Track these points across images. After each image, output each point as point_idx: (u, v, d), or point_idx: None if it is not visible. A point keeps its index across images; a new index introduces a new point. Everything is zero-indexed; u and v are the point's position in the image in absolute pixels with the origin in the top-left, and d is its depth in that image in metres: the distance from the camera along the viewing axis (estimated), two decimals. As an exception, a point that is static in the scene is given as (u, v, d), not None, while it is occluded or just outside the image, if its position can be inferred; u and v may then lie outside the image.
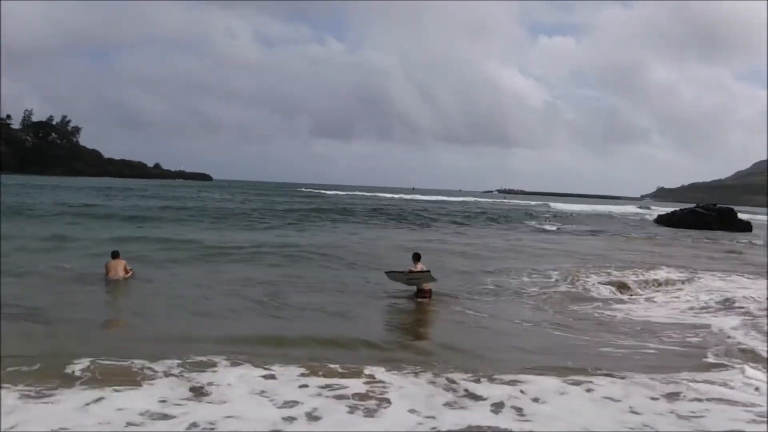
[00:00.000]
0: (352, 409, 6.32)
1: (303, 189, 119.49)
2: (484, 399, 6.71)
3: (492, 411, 6.41)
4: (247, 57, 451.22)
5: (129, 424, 5.72)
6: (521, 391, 6.96)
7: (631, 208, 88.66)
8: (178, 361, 7.46)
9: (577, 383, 7.33)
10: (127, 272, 14.28)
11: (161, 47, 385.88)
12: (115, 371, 7.08)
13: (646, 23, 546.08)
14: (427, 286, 13.35)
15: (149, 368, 7.21)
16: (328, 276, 15.97)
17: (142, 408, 6.05)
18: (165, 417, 5.92)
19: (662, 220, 52.65)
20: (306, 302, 12.39)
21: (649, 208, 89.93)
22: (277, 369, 7.43)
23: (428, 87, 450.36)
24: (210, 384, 6.80)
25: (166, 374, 7.08)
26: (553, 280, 16.23)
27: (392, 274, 14.00)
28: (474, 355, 8.86)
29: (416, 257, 13.66)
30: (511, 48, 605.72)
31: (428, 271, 13.25)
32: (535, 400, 6.75)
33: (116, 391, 6.47)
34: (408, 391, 6.87)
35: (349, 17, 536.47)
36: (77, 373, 6.97)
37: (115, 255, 14.55)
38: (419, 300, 13.16)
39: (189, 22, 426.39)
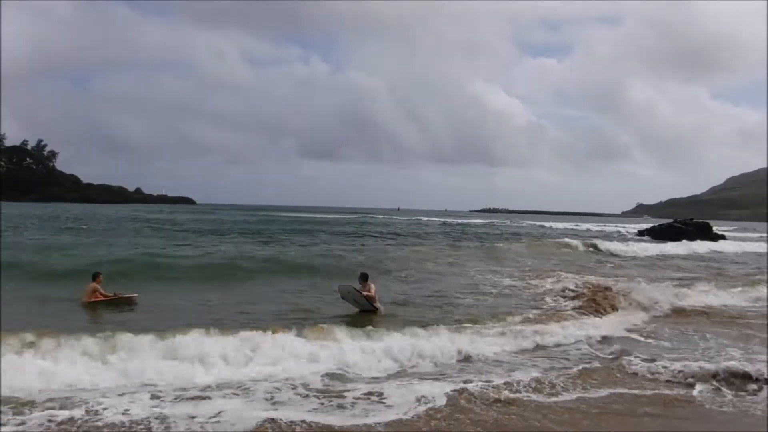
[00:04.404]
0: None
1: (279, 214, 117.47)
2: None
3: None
4: (233, 79, 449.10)
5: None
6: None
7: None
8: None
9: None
10: (105, 297, 13.24)
11: (144, 69, 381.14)
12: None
13: (629, 44, 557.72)
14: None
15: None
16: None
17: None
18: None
19: (642, 234, 54.55)
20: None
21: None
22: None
23: (415, 107, 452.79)
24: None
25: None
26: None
27: (345, 289, 13.00)
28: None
29: (363, 277, 12.98)
30: (499, 68, 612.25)
31: (376, 308, 12.75)
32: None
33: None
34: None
35: (336, 37, 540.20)
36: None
37: (93, 277, 13.63)
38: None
39: (173, 44, 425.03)
